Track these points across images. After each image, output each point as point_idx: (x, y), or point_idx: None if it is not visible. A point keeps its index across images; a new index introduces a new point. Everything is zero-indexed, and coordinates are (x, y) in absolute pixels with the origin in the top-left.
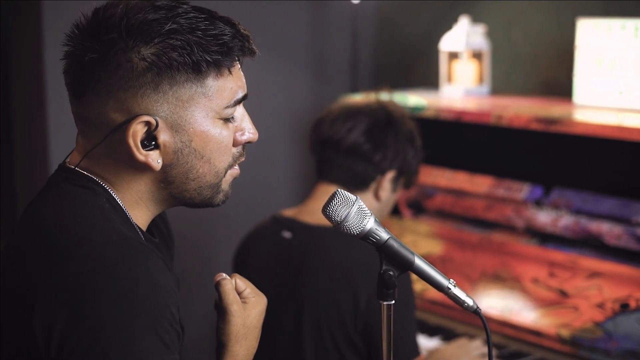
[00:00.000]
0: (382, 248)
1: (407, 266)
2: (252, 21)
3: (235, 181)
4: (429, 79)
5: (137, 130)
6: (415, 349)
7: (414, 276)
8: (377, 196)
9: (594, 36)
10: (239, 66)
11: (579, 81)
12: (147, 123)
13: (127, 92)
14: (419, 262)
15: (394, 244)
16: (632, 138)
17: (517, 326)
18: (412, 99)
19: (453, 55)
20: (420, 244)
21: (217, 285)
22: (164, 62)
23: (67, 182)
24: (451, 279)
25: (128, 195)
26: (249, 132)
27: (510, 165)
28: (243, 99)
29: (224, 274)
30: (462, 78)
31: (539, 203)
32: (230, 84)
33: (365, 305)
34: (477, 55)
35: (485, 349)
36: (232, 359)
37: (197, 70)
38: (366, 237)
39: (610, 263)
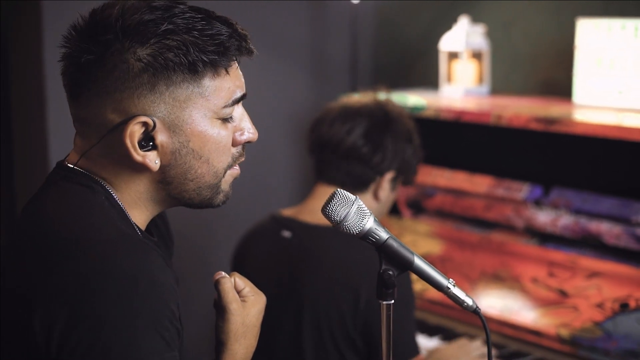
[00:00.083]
0: (382, 248)
1: (406, 266)
2: (252, 21)
3: (234, 181)
4: (429, 79)
5: (135, 130)
6: (414, 348)
7: (413, 276)
8: (376, 196)
9: (593, 36)
10: (237, 66)
11: (579, 81)
12: (145, 124)
13: (124, 93)
14: (419, 262)
15: (393, 243)
16: (631, 138)
17: (517, 326)
18: (412, 98)
19: (453, 55)
20: (419, 243)
21: (217, 284)
22: (159, 62)
23: (65, 181)
24: (451, 279)
25: (127, 195)
26: (249, 132)
27: (509, 165)
28: (241, 98)
29: (223, 273)
30: (462, 78)
31: (538, 203)
32: (227, 84)
33: (365, 304)
34: (476, 55)
35: (485, 349)
36: (231, 358)
37: (194, 70)
38: (366, 236)
39: (610, 263)
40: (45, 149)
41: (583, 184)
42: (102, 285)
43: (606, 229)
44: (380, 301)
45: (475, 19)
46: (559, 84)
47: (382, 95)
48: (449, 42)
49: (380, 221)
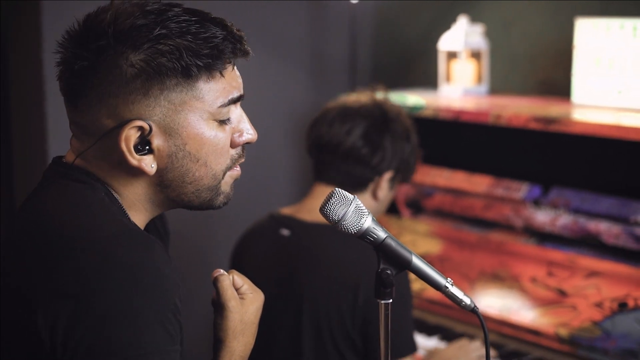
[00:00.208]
0: (380, 247)
1: (404, 265)
2: (251, 21)
3: (234, 181)
4: (428, 79)
5: (130, 135)
6: (411, 346)
7: (412, 275)
8: (375, 196)
9: (592, 36)
10: (233, 67)
11: (578, 81)
12: (141, 128)
13: (118, 98)
14: (417, 261)
15: (391, 242)
16: (630, 137)
17: (516, 325)
18: (411, 98)
19: (452, 55)
20: (418, 243)
21: (215, 281)
22: (152, 67)
23: (65, 178)
24: (448, 278)
25: (125, 196)
26: (248, 133)
27: (508, 164)
28: (238, 99)
29: (221, 270)
30: (461, 78)
31: (537, 202)
32: (223, 86)
33: (364, 302)
34: (475, 55)
35: (484, 350)
36: (229, 355)
37: (187, 74)
38: (364, 236)
39: (609, 262)
40: (44, 149)
41: (582, 184)
42: (104, 280)
43: (605, 229)
44: (378, 300)
45: (474, 19)
46: (558, 84)
47: (379, 95)
48: (448, 41)
49: (378, 220)
